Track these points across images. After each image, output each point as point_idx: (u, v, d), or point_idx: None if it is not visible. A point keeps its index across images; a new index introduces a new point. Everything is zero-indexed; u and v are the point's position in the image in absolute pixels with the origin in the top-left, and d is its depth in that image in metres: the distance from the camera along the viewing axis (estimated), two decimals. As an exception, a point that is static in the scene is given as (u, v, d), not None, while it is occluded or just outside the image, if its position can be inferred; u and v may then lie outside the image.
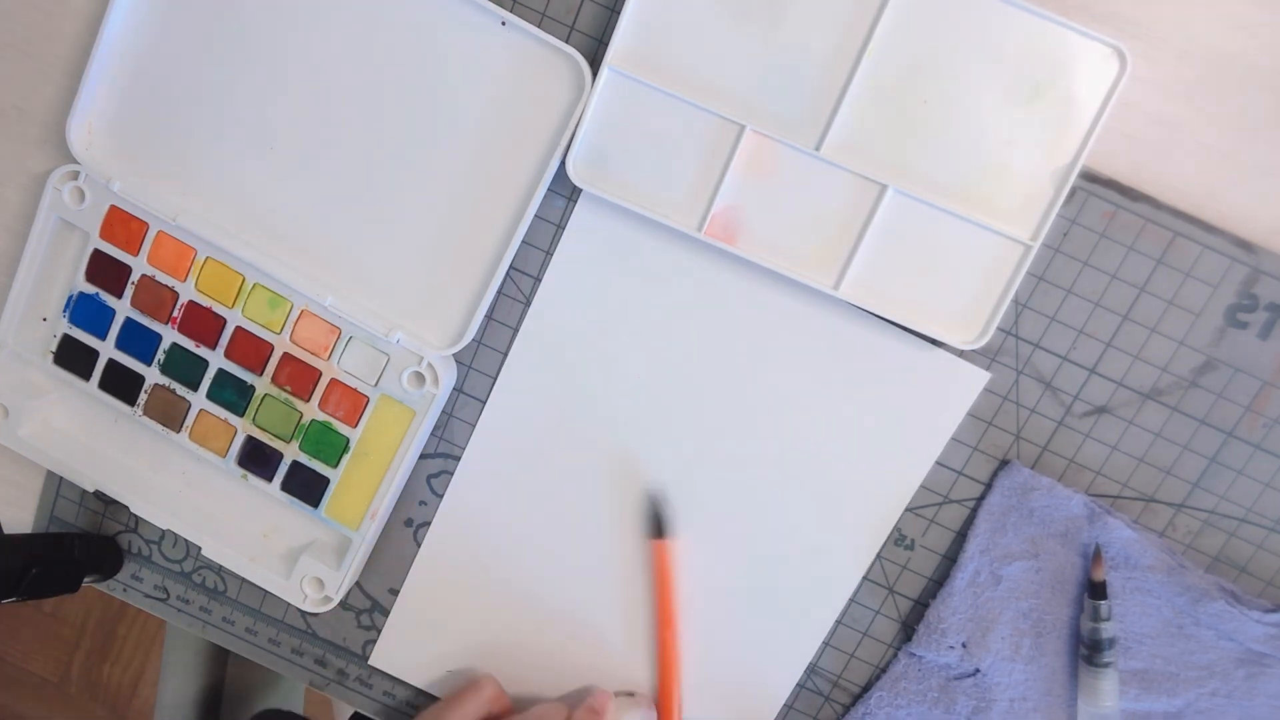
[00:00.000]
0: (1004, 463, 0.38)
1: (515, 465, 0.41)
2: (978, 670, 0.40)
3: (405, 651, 0.43)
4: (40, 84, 0.41)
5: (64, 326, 0.41)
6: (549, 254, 0.39)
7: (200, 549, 0.41)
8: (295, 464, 0.40)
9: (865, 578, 0.40)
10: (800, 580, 0.40)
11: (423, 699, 0.44)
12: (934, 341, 0.37)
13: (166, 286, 0.40)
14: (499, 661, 0.43)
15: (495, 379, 0.40)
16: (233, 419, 0.41)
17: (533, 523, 0.41)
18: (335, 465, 0.40)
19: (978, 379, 0.38)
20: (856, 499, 0.39)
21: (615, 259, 0.39)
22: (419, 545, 0.42)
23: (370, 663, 0.44)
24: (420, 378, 0.39)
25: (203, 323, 0.40)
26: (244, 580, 0.44)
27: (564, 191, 0.38)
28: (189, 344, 0.40)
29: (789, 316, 0.38)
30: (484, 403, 0.41)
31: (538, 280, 0.39)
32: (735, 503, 0.40)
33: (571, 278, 0.39)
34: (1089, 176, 0.36)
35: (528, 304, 0.40)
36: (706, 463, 0.40)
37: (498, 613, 0.42)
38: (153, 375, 0.41)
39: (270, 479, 0.41)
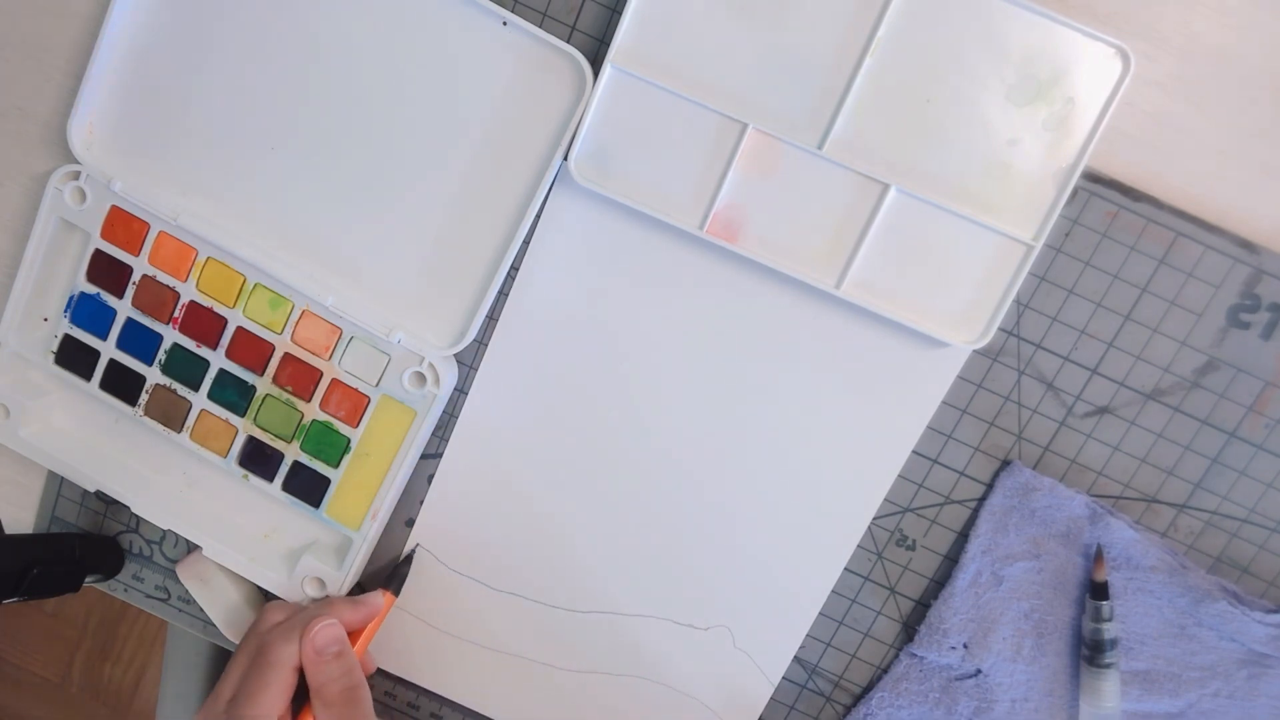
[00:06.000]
0: (1005, 463, 0.38)
1: (500, 454, 0.41)
2: (979, 671, 0.40)
3: (393, 643, 0.43)
4: (41, 84, 0.41)
5: (65, 327, 0.41)
6: (534, 247, 0.39)
7: (201, 549, 0.41)
8: (296, 464, 0.40)
9: (866, 578, 0.40)
10: (789, 568, 0.40)
11: (424, 698, 0.44)
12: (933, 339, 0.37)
13: (167, 287, 0.40)
14: (487, 654, 0.43)
15: (476, 370, 0.40)
16: (234, 419, 0.41)
17: (517, 511, 0.41)
18: (336, 465, 0.40)
19: (962, 352, 0.37)
20: (841, 488, 0.39)
21: (613, 255, 0.38)
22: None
23: None
24: (421, 378, 0.39)
25: (204, 323, 0.40)
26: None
27: (564, 191, 0.38)
28: (190, 344, 0.40)
29: (789, 315, 0.38)
30: (465, 394, 0.41)
31: (518, 273, 0.39)
32: (731, 494, 0.40)
33: (551, 269, 0.39)
34: (1091, 176, 0.36)
35: (508, 296, 0.40)
36: (704, 456, 0.40)
37: (483, 606, 0.42)
38: (154, 375, 0.41)
39: (271, 479, 0.41)
